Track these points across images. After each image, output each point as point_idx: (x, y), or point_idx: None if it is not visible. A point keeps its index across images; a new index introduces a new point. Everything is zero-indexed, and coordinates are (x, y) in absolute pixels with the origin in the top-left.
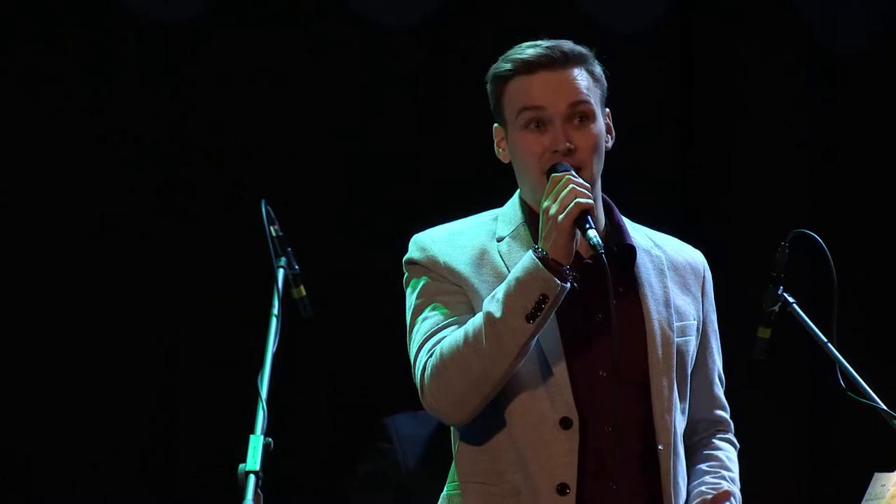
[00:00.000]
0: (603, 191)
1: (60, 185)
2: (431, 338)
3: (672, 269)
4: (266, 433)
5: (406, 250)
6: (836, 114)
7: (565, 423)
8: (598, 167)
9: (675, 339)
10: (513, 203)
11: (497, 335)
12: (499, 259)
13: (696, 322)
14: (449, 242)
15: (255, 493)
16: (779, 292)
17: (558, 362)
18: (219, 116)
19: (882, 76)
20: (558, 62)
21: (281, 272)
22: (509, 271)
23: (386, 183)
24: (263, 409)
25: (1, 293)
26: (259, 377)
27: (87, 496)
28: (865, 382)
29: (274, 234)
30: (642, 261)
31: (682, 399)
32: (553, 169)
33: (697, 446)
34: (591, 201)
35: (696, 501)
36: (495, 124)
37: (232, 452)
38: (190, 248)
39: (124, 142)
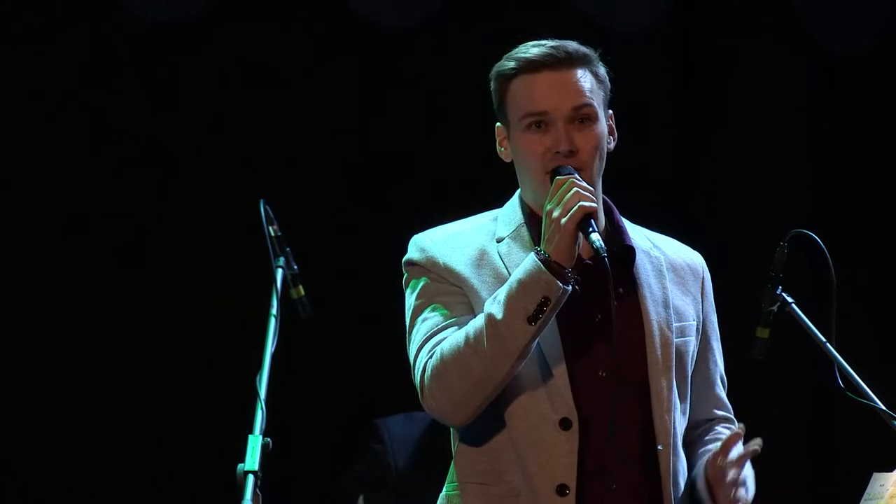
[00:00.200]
0: (602, 192)
1: (60, 184)
2: (431, 339)
3: (671, 270)
4: (265, 433)
5: (406, 251)
6: (836, 114)
7: (565, 423)
8: (600, 169)
9: (675, 340)
10: (512, 204)
11: (498, 337)
12: (498, 260)
13: (695, 323)
14: (448, 243)
15: (254, 493)
16: (778, 292)
17: (558, 363)
18: (219, 116)
19: (882, 76)
20: (563, 62)
21: (280, 272)
22: (509, 272)
23: (386, 183)
24: (262, 409)
25: (1, 293)
26: (258, 377)
27: (87, 496)
28: (864, 382)
29: (273, 233)
30: (641, 262)
31: (681, 399)
32: (557, 172)
33: (699, 436)
34: (594, 205)
35: (705, 457)
36: (497, 123)
37: (231, 452)
38: (189, 248)
39: (124, 141)
